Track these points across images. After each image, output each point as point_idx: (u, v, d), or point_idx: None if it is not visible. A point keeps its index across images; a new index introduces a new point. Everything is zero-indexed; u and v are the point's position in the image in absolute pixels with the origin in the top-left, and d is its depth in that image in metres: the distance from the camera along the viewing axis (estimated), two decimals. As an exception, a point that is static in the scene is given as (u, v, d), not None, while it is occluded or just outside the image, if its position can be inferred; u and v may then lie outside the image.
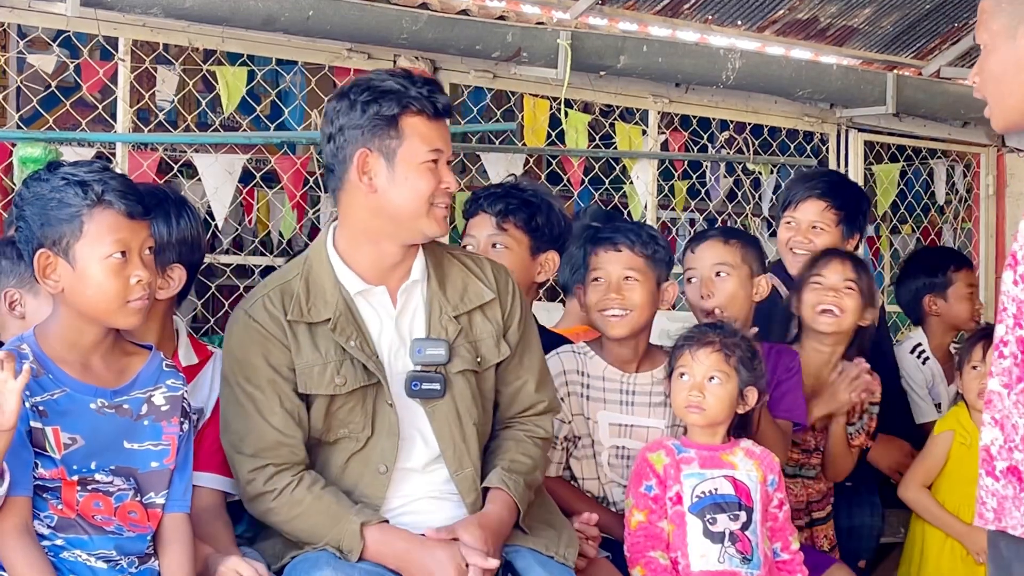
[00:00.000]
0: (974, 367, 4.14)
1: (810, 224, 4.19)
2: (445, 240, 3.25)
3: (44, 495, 2.58)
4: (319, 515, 2.82)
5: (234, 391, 2.91)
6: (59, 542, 2.60)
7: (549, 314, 4.72)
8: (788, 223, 4.24)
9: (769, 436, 3.54)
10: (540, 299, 5.41)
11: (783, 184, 5.90)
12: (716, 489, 3.24)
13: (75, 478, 2.59)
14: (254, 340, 2.90)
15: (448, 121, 2.98)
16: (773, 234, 6.40)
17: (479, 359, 3.01)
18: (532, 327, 3.18)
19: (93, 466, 2.61)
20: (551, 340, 3.67)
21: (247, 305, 2.97)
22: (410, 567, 2.79)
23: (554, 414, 3.17)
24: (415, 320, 2.99)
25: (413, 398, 2.93)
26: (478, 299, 3.04)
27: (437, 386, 2.93)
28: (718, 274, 3.72)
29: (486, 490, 2.97)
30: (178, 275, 3.02)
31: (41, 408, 2.56)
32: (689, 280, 3.77)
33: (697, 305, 3.75)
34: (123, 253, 2.58)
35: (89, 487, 2.61)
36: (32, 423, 2.54)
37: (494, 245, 3.62)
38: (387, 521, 2.86)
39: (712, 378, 3.28)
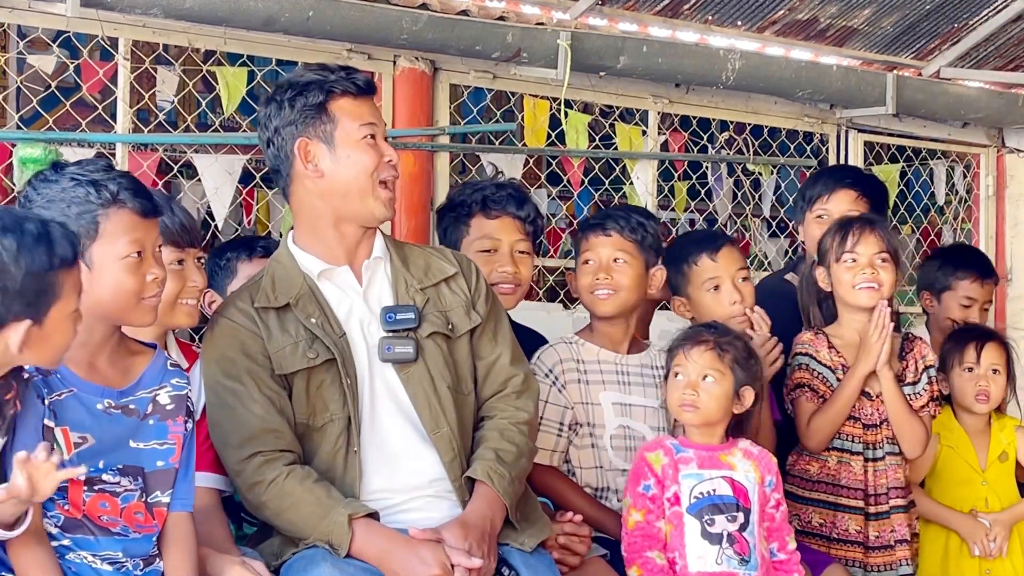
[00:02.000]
0: (968, 368, 4.13)
1: (843, 214, 4.16)
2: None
3: (51, 496, 2.56)
4: (309, 507, 2.83)
5: (216, 392, 2.95)
6: (66, 542, 2.59)
7: (549, 314, 4.74)
8: (820, 217, 4.16)
9: (765, 434, 3.60)
10: (540, 299, 5.43)
11: (783, 185, 5.92)
12: (714, 490, 3.24)
13: (82, 478, 2.58)
14: (227, 335, 2.97)
15: (373, 98, 3.10)
16: (773, 235, 6.46)
17: (450, 325, 3.06)
18: (500, 305, 3.24)
19: (101, 465, 2.61)
20: (536, 340, 3.68)
21: (219, 308, 3.09)
22: (392, 565, 2.79)
23: (535, 396, 3.17)
24: (382, 294, 3.06)
25: (387, 362, 2.99)
26: (441, 273, 3.12)
27: (410, 349, 2.99)
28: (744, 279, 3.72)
29: (472, 482, 2.98)
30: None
31: (52, 408, 2.56)
32: (716, 288, 3.70)
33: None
34: (139, 252, 2.60)
35: (96, 487, 2.61)
36: (46, 421, 2.54)
37: (520, 251, 3.62)
38: (376, 516, 2.86)
39: (706, 377, 3.29)
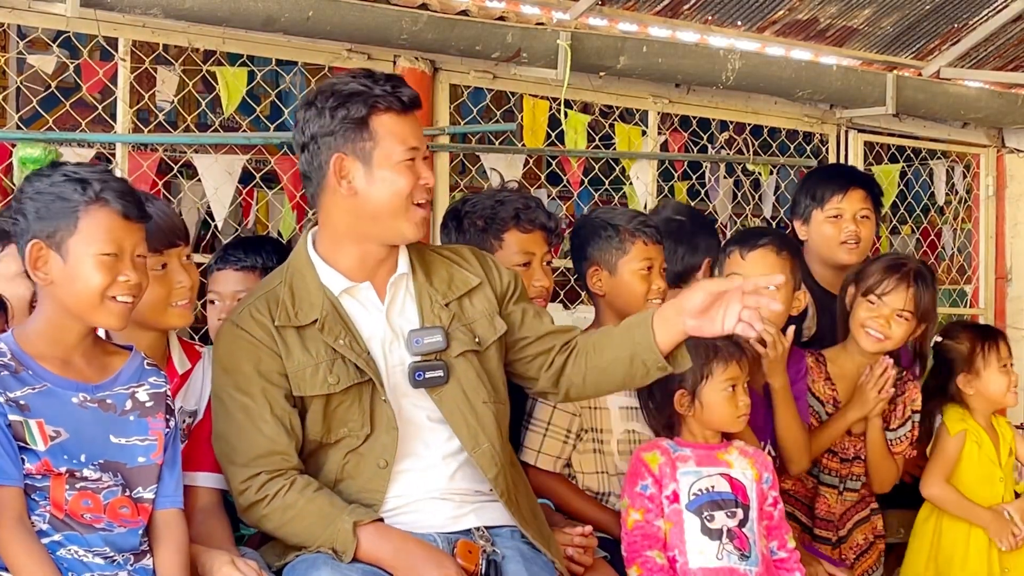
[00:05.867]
0: (1004, 365, 4.13)
1: (856, 213, 4.18)
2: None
3: (33, 496, 2.58)
4: (312, 516, 2.82)
5: (225, 402, 2.92)
6: (57, 538, 2.60)
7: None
8: (834, 216, 4.20)
9: (799, 438, 3.64)
10: (540, 300, 5.41)
11: (783, 185, 5.92)
12: (713, 487, 3.26)
13: (63, 469, 2.59)
14: (243, 349, 2.91)
15: (418, 114, 2.98)
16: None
17: (477, 339, 3.03)
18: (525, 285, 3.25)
19: (82, 459, 2.61)
20: None
21: (234, 316, 3.00)
22: (401, 567, 2.79)
23: None
24: (406, 312, 3.01)
25: (418, 388, 2.95)
26: (465, 286, 3.07)
27: (440, 373, 2.96)
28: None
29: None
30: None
31: (22, 403, 2.57)
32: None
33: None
34: (116, 253, 2.60)
35: (78, 485, 2.61)
36: (11, 416, 2.56)
37: (548, 263, 3.62)
38: (382, 520, 2.86)
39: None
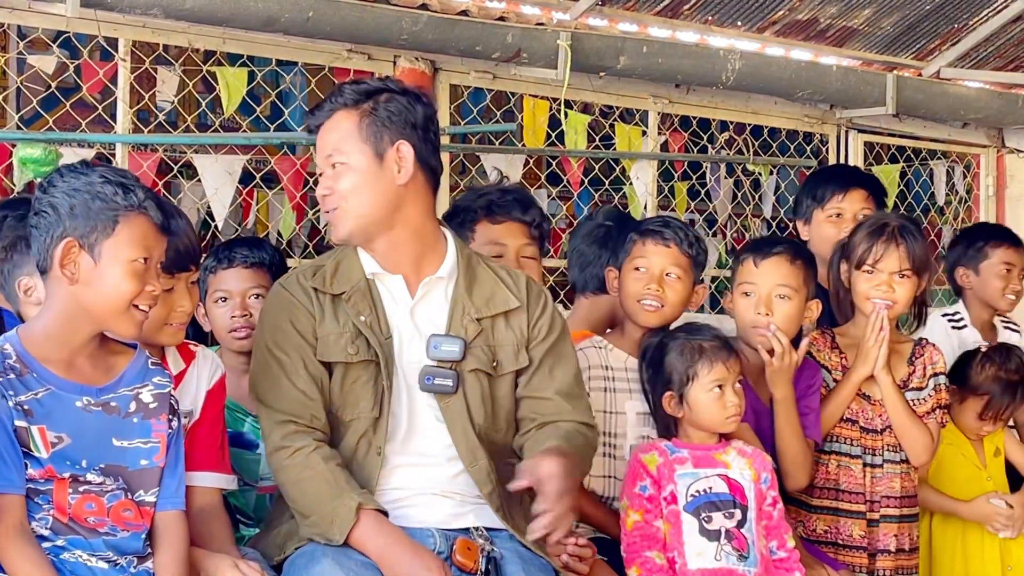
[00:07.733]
0: None
1: (857, 214, 4.15)
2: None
3: (36, 499, 2.57)
4: (326, 484, 2.84)
5: (264, 355, 2.99)
6: (60, 542, 2.59)
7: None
8: (833, 216, 4.17)
9: (798, 453, 3.57)
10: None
11: (783, 185, 5.93)
12: (710, 488, 3.25)
13: (66, 475, 2.58)
14: (284, 307, 3.00)
15: None
16: (774, 235, 6.45)
17: (495, 363, 3.04)
18: (566, 342, 3.15)
19: (84, 464, 2.60)
20: None
21: (283, 279, 3.10)
22: (392, 563, 2.79)
23: (590, 413, 3.14)
24: (435, 315, 3.03)
25: (425, 391, 2.98)
26: (503, 306, 3.06)
27: (450, 382, 2.98)
28: (780, 296, 3.57)
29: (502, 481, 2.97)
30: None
31: (26, 407, 2.56)
32: (746, 294, 3.60)
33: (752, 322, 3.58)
34: (145, 260, 2.61)
35: (81, 489, 2.60)
36: (17, 422, 2.55)
37: (526, 256, 3.59)
38: (386, 513, 2.87)
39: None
